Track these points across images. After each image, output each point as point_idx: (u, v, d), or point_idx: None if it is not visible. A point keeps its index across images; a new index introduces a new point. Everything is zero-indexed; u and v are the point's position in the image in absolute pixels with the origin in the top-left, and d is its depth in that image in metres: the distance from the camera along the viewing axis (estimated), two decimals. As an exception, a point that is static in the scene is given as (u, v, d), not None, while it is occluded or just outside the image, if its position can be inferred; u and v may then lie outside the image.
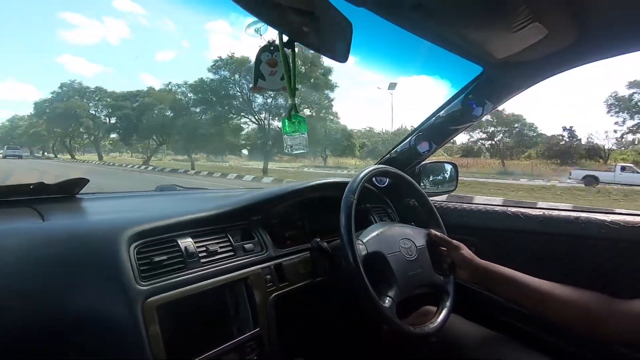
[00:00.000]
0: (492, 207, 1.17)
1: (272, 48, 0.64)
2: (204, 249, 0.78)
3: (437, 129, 1.18)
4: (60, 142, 31.85)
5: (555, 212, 1.02)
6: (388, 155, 1.31)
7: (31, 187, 0.84)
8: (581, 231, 0.94)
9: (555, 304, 0.76)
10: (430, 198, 1.03)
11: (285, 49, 0.61)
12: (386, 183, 1.31)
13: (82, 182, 0.92)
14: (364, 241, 0.82)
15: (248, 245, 0.86)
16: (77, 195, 0.94)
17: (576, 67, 0.88)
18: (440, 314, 0.85)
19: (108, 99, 26.01)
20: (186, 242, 0.75)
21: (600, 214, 0.94)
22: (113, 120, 25.97)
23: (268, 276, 0.86)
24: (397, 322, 0.75)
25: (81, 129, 28.54)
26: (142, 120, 22.66)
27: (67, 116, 25.92)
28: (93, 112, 27.58)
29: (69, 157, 32.66)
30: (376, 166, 0.93)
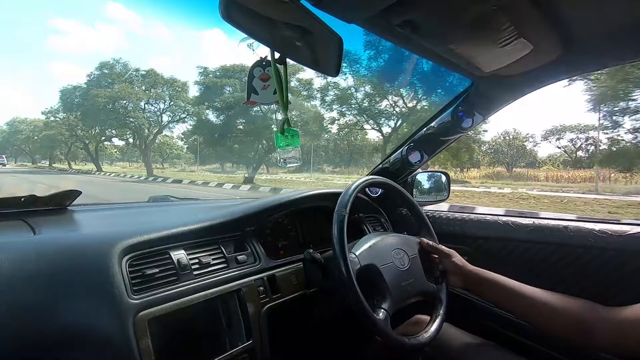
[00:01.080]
0: (483, 216, 1.18)
1: (264, 63, 0.65)
2: (197, 261, 0.78)
3: (428, 140, 1.19)
4: (85, 147, 25.28)
5: (545, 221, 1.03)
6: (380, 166, 1.33)
7: (22, 199, 0.83)
8: (570, 240, 0.96)
9: (543, 311, 0.76)
10: (424, 207, 1.04)
11: (277, 64, 0.62)
12: (379, 193, 1.32)
13: (73, 194, 0.91)
14: (356, 254, 0.82)
15: (241, 257, 0.86)
16: (69, 207, 0.93)
17: (562, 80, 0.90)
18: (433, 322, 0.86)
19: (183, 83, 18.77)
20: (179, 255, 0.75)
21: (589, 223, 0.96)
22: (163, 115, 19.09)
23: (261, 288, 0.86)
24: (392, 335, 0.75)
25: (112, 131, 21.47)
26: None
27: (109, 110, 18.38)
28: (143, 105, 19.75)
29: (93, 168, 27.00)
30: (367, 177, 0.94)
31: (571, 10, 0.64)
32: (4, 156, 32.40)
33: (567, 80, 0.93)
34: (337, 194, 0.88)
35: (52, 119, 24.45)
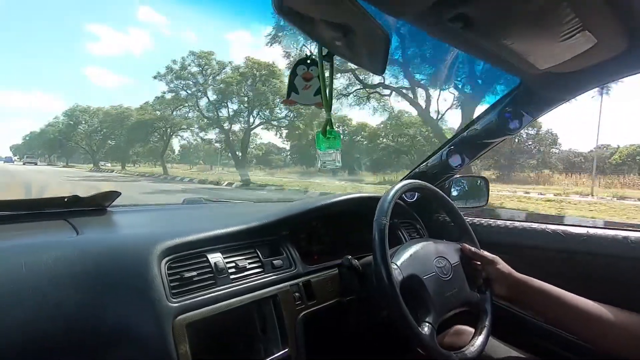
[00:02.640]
0: (528, 224, 1.11)
1: (308, 61, 0.63)
2: (233, 264, 0.76)
3: (471, 143, 1.13)
4: (228, 145, 17.66)
5: (601, 231, 0.95)
6: (417, 169, 1.28)
7: (65, 199, 0.85)
8: (631, 252, 0.88)
9: (605, 328, 0.70)
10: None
11: (324, 62, 0.59)
12: (415, 198, 1.27)
13: (113, 195, 0.92)
14: (398, 264, 0.78)
15: (277, 262, 0.84)
16: (108, 208, 0.95)
17: (623, 77, 0.83)
18: (479, 335, 0.80)
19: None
20: (216, 258, 0.74)
21: None
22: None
23: (297, 294, 0.83)
24: (438, 350, 0.71)
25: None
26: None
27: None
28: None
29: (188, 173, 21.20)
30: (407, 181, 0.90)
31: None
32: (34, 156, 34.08)
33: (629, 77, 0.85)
34: (372, 199, 0.84)
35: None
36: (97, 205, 0.92)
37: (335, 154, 0.71)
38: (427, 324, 0.73)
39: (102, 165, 29.21)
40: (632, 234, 0.89)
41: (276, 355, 0.75)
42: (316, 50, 0.59)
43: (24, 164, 30.90)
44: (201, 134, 19.22)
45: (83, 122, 25.39)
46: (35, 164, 31.35)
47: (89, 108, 25.31)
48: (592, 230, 0.96)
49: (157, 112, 18.89)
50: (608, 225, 0.99)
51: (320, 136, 0.69)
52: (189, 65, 16.87)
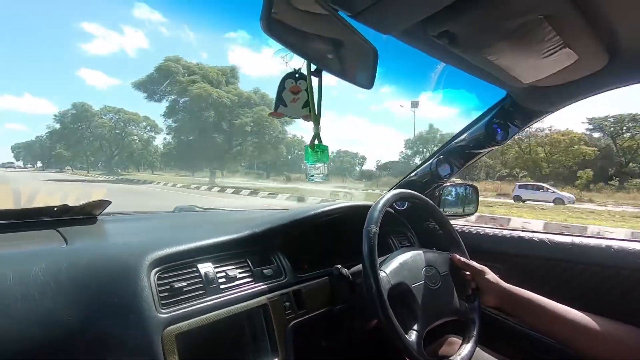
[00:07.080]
0: (517, 232, 1.13)
1: (297, 75, 0.64)
2: (224, 274, 0.76)
3: (459, 153, 1.16)
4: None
5: (585, 240, 0.98)
6: (407, 178, 1.29)
7: (55, 209, 0.85)
8: (614, 261, 0.90)
9: (586, 335, 0.72)
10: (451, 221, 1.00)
11: (312, 76, 0.60)
12: (405, 206, 1.29)
13: (104, 204, 0.92)
14: (387, 272, 0.79)
15: (267, 271, 0.84)
16: (99, 217, 0.95)
17: (605, 91, 0.85)
18: (466, 345, 0.81)
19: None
20: (206, 268, 0.74)
21: (634, 243, 0.90)
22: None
23: (287, 303, 0.83)
24: (425, 358, 0.72)
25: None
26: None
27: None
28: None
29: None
30: (397, 191, 0.91)
31: (620, 18, 0.60)
32: (14, 162, 37.59)
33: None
34: (363, 207, 0.85)
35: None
36: (88, 214, 0.92)
37: (323, 167, 0.72)
38: (414, 332, 0.74)
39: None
40: (615, 243, 0.91)
41: None
42: (304, 65, 0.60)
43: (5, 168, 32.57)
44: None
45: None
46: (14, 168, 33.80)
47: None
48: (577, 239, 0.99)
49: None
50: (592, 235, 1.01)
51: (308, 150, 0.69)
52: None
